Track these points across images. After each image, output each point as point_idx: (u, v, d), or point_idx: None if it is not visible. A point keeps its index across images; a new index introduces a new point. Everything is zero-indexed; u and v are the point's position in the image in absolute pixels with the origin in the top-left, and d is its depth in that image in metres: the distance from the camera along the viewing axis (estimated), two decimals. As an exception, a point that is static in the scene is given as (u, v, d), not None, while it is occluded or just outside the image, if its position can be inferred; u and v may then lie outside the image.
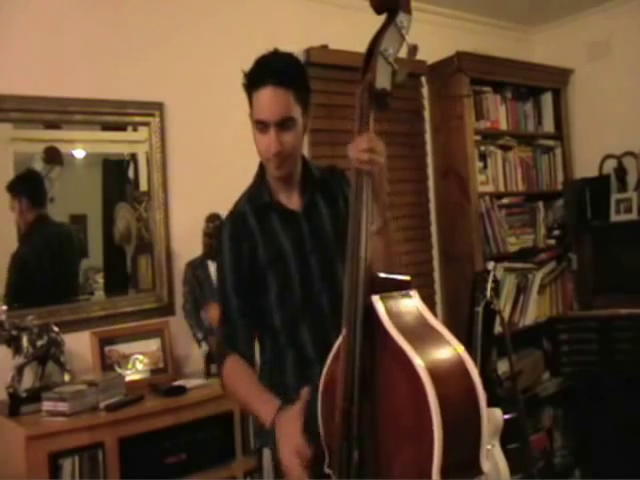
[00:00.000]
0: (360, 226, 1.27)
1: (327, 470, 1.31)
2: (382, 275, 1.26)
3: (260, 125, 1.51)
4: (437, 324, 1.21)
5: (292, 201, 1.63)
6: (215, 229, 2.58)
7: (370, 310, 1.20)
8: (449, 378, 1.12)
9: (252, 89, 1.51)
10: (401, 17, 1.27)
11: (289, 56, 1.56)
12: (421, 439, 1.07)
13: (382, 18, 1.31)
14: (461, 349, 1.16)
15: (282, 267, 1.58)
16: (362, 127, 1.30)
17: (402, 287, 1.26)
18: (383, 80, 1.28)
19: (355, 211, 1.29)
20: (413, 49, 1.27)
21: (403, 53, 1.31)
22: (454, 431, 1.08)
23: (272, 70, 1.50)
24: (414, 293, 1.26)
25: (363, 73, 1.32)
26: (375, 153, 1.29)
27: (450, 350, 1.16)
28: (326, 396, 1.31)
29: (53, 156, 2.58)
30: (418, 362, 1.09)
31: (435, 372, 1.09)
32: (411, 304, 1.24)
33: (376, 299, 1.21)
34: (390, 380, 1.17)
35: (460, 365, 1.15)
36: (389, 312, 1.19)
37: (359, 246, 1.25)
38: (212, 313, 2.53)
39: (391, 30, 1.28)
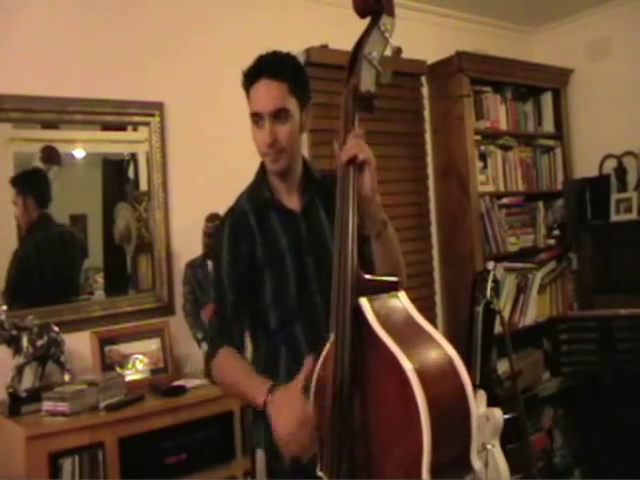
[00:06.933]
0: (347, 228, 1.26)
1: (319, 473, 1.30)
2: (369, 277, 1.25)
3: (255, 118, 1.54)
4: (426, 324, 1.20)
5: (292, 201, 1.64)
6: (215, 229, 2.58)
7: (358, 312, 1.20)
8: (438, 379, 1.12)
9: (249, 85, 1.55)
10: (384, 20, 1.28)
11: (286, 53, 1.59)
12: (411, 439, 1.07)
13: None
14: (450, 348, 1.16)
15: (279, 267, 1.58)
16: (347, 129, 1.33)
17: (390, 288, 1.25)
18: (368, 83, 1.29)
19: (341, 213, 1.29)
20: (397, 51, 1.28)
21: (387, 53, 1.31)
22: (443, 431, 1.07)
23: (266, 65, 1.54)
24: (402, 294, 1.25)
25: (348, 77, 1.33)
26: (364, 152, 1.31)
27: (439, 350, 1.16)
28: (316, 399, 1.31)
29: (50, 155, 2.57)
30: (406, 364, 1.09)
31: (424, 373, 1.09)
32: (399, 305, 1.23)
33: (364, 301, 1.20)
34: (379, 382, 1.16)
35: (449, 365, 1.14)
36: (377, 314, 1.18)
37: (346, 248, 1.25)
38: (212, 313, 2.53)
39: (374, 33, 1.29)
